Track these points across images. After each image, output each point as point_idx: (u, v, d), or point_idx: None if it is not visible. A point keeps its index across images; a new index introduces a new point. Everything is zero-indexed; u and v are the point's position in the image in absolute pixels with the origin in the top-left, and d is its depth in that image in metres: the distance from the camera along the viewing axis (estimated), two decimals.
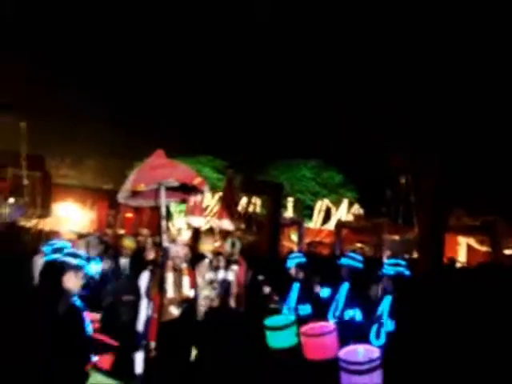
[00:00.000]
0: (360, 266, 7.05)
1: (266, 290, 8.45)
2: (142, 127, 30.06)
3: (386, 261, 6.62)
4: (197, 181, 7.62)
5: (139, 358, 6.78)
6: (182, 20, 33.23)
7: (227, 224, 9.49)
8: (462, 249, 24.20)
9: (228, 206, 10.10)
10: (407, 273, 6.19)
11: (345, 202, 30.19)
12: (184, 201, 8.96)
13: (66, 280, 4.40)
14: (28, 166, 18.95)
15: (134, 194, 7.87)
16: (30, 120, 23.20)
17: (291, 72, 29.77)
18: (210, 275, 7.98)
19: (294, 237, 27.00)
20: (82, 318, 4.38)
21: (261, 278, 8.75)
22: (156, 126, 30.18)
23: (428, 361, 5.88)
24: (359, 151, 25.62)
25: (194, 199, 8.70)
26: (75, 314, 4.32)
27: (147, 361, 6.74)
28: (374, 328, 6.02)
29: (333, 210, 30.21)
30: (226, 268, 8.25)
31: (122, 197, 8.04)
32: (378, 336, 5.95)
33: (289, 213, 29.85)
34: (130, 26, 31.84)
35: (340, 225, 27.12)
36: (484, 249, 23.33)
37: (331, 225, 28.97)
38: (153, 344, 6.77)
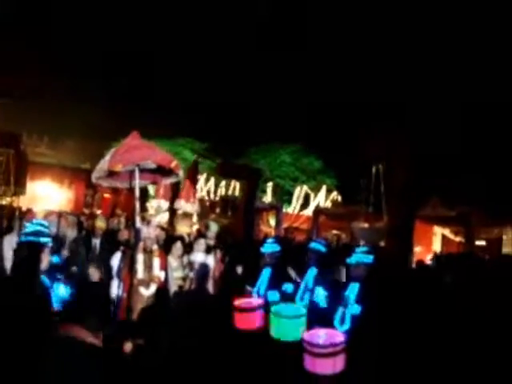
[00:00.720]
0: (324, 250, 7.18)
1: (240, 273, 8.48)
2: (121, 109, 29.82)
3: (357, 248, 6.71)
4: (173, 164, 7.68)
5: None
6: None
7: (189, 207, 9.52)
8: (437, 239, 24.49)
9: (189, 190, 10.10)
10: (373, 261, 6.29)
11: (323, 189, 30.28)
12: (155, 183, 9.02)
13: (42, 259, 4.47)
14: (2, 144, 18.78)
15: (109, 174, 7.89)
16: (8, 98, 23.02)
17: (271, 56, 29.80)
18: (188, 257, 8.04)
19: (272, 221, 27.09)
20: (49, 294, 4.46)
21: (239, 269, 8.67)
22: (135, 107, 29.94)
23: (392, 347, 5.99)
24: (337, 138, 25.82)
25: (163, 183, 8.74)
26: (45, 291, 4.40)
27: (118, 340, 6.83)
28: (339, 313, 6.13)
29: (311, 196, 30.32)
30: (207, 252, 8.28)
31: (95, 177, 8.04)
32: (342, 321, 6.06)
33: (268, 197, 29.92)
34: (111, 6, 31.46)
35: (318, 211, 27.20)
36: (458, 239, 23.67)
37: (309, 211, 29.07)
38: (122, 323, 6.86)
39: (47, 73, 27.96)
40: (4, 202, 17.93)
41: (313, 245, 7.35)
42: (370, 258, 6.26)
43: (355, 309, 6.00)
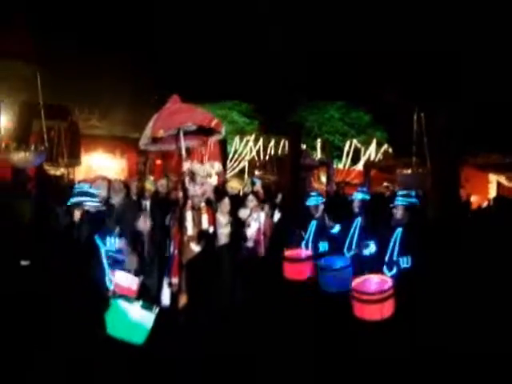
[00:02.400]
0: (368, 198, 7.22)
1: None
2: (168, 75, 29.98)
3: (399, 192, 6.70)
4: (214, 123, 7.76)
5: (166, 293, 7.14)
6: None
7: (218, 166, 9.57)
8: (493, 186, 23.98)
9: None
10: (416, 203, 6.28)
11: (373, 142, 29.90)
12: (203, 143, 9.14)
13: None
14: (54, 117, 19.28)
15: (154, 139, 8.07)
16: (56, 73, 23.48)
17: (316, 13, 29.25)
18: (238, 213, 8.17)
19: (324, 178, 27.02)
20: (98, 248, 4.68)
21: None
22: (182, 72, 30.05)
23: (439, 290, 6.01)
24: (383, 89, 25.34)
25: (211, 145, 8.85)
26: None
27: (172, 295, 7.10)
28: (387, 259, 6.16)
29: (362, 150, 30.01)
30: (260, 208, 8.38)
31: (142, 143, 8.24)
32: (390, 267, 6.10)
33: (318, 154, 29.79)
34: None
35: (369, 165, 26.99)
36: None
37: (360, 165, 28.83)
38: (176, 279, 7.09)
39: (89, 45, 28.35)
40: (58, 173, 18.51)
41: (357, 194, 7.39)
42: (409, 201, 6.26)
43: (401, 256, 6.05)
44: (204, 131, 8.31)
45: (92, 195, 4.95)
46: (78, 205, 4.83)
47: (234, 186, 8.91)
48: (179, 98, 8.11)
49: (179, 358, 5.33)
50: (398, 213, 6.28)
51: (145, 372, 4.95)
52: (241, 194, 9.24)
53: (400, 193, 6.51)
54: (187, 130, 7.63)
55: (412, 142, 21.93)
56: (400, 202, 6.30)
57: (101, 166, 23.07)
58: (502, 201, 9.16)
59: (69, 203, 4.95)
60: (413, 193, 6.52)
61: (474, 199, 19.46)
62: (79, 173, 20.37)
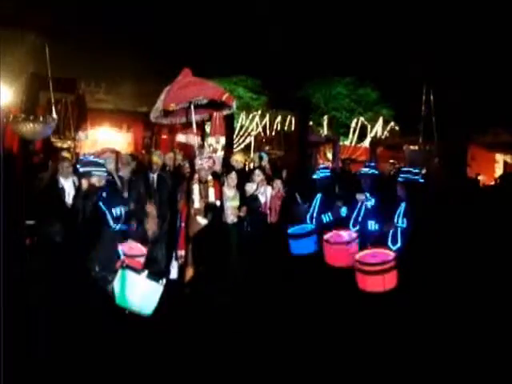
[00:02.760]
0: (377, 173, 7.26)
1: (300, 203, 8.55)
2: (174, 50, 29.82)
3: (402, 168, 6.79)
4: (225, 96, 7.80)
5: (173, 265, 7.24)
6: None
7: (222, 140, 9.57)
8: (500, 166, 23.90)
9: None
10: (420, 180, 6.35)
11: (380, 120, 29.78)
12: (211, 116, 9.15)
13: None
14: (61, 89, 19.26)
15: (166, 113, 8.09)
16: (64, 46, 23.37)
17: None
18: (245, 187, 8.22)
19: (330, 154, 26.99)
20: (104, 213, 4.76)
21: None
22: (189, 47, 29.89)
23: (441, 262, 6.08)
24: (391, 66, 25.19)
25: (216, 119, 8.86)
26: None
27: (179, 268, 7.19)
28: (391, 233, 6.23)
29: (368, 127, 29.89)
30: (267, 182, 8.41)
31: (153, 116, 8.29)
32: (394, 240, 6.17)
33: (324, 130, 29.70)
34: None
35: (375, 142, 26.93)
36: None
37: (367, 142, 28.77)
38: (182, 252, 7.17)
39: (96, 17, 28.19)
40: (65, 146, 18.53)
41: (365, 170, 7.42)
42: (412, 178, 6.32)
43: (404, 227, 6.14)
44: (214, 105, 8.34)
45: (99, 165, 4.97)
46: (86, 175, 4.86)
47: (238, 159, 8.95)
48: (191, 72, 8.14)
49: (183, 330, 5.41)
50: (400, 189, 6.38)
51: (148, 344, 5.01)
52: (247, 168, 9.28)
53: (403, 169, 6.59)
54: (199, 103, 7.66)
55: (420, 118, 21.85)
56: (403, 178, 6.42)
57: (107, 140, 23.01)
58: (509, 177, 9.17)
59: (77, 173, 4.98)
60: (416, 170, 6.60)
61: (480, 178, 19.46)
62: (86, 146, 20.36)
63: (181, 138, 9.74)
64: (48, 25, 20.76)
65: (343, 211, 7.52)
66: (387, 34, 26.28)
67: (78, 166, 4.91)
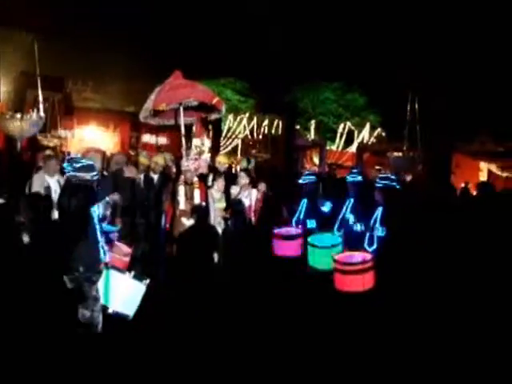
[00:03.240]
0: (362, 180, 7.37)
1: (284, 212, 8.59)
2: (163, 50, 29.78)
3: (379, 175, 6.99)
4: (215, 100, 7.92)
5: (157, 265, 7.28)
6: None
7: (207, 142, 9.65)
8: (484, 174, 24.05)
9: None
10: (395, 186, 6.51)
11: (367, 125, 29.90)
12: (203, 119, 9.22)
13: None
14: (49, 88, 19.21)
15: (155, 113, 8.13)
16: (52, 45, 23.24)
17: None
18: (231, 190, 8.28)
19: (316, 159, 27.08)
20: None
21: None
22: (177, 48, 29.85)
23: (416, 264, 6.22)
24: (379, 73, 25.36)
25: (199, 122, 8.94)
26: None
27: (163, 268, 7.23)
28: (368, 235, 6.38)
29: (355, 132, 30.00)
30: (252, 186, 8.47)
31: (143, 116, 8.35)
32: (371, 242, 6.32)
33: (311, 135, 29.78)
34: None
35: (362, 148, 27.05)
36: (505, 174, 23.19)
37: (353, 148, 28.87)
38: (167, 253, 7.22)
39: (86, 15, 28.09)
40: (51, 145, 18.45)
41: (350, 177, 7.49)
42: (388, 183, 6.53)
43: (381, 232, 6.32)
44: (203, 108, 8.40)
45: (91, 169, 4.89)
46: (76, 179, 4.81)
47: (221, 161, 9.01)
48: (181, 74, 8.21)
49: (167, 331, 5.44)
50: (378, 194, 6.57)
51: (132, 345, 5.03)
52: (234, 171, 9.33)
53: (380, 176, 6.77)
54: (189, 105, 7.73)
55: (405, 125, 22.03)
56: (380, 184, 6.58)
57: (93, 139, 22.93)
58: (486, 187, 9.30)
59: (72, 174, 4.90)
60: (392, 176, 6.78)
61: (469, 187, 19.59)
62: (72, 145, 20.29)
63: (145, 137, 9.77)
64: (37, 23, 20.71)
65: (327, 206, 7.62)
66: (375, 39, 26.46)
67: (67, 168, 4.84)
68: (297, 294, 6.60)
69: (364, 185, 7.27)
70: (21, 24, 20.21)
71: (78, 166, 4.75)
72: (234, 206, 8.02)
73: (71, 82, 26.64)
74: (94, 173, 4.82)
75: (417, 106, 18.97)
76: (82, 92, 29.17)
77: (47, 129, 19.28)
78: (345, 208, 7.25)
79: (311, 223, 7.63)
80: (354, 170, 7.81)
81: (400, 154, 21.13)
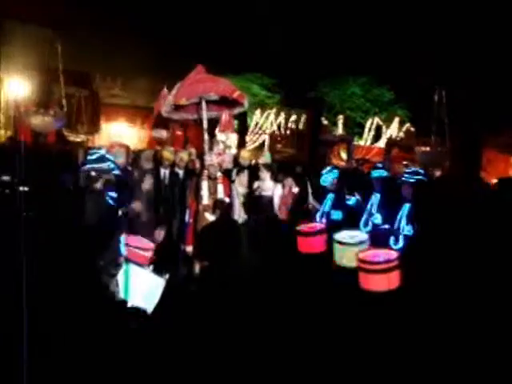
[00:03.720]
0: (386, 174, 7.23)
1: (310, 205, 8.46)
2: (191, 46, 29.84)
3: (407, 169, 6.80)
4: (236, 94, 7.85)
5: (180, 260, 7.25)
6: None
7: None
8: None
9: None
10: (423, 180, 6.34)
11: (396, 120, 29.56)
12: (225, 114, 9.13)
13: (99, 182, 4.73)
14: (75, 84, 19.38)
15: (177, 107, 8.11)
16: (80, 40, 23.41)
17: None
18: (256, 184, 8.21)
19: (344, 154, 26.86)
20: (112, 212, 4.73)
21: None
22: (205, 44, 29.87)
23: (443, 262, 6.02)
24: (407, 67, 25.02)
25: (225, 116, 8.84)
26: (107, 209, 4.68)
27: (185, 263, 7.18)
28: (394, 233, 6.22)
29: (383, 127, 29.68)
30: (275, 180, 8.38)
31: (165, 111, 8.35)
32: (397, 240, 6.16)
33: (338, 130, 29.56)
34: None
35: (390, 143, 26.76)
36: None
37: (382, 143, 28.58)
38: (190, 248, 7.17)
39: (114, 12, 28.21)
40: (78, 140, 18.64)
41: (375, 172, 7.37)
42: (415, 178, 6.39)
43: (407, 230, 6.20)
44: (226, 103, 8.34)
45: (103, 160, 4.89)
46: (94, 171, 4.81)
47: (245, 156, 8.91)
48: (204, 69, 8.16)
49: (188, 327, 5.40)
50: (405, 189, 6.44)
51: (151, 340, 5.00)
52: (256, 165, 9.21)
53: (407, 170, 6.59)
54: (209, 99, 7.69)
55: (432, 119, 21.70)
56: (407, 179, 6.46)
57: (121, 135, 23.09)
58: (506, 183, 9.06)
59: (86, 169, 4.92)
60: (420, 170, 6.61)
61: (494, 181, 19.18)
62: (99, 141, 20.42)
63: (155, 132, 9.74)
64: (63, 19, 20.85)
65: (353, 200, 7.46)
66: (402, 32, 26.08)
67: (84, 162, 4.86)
68: (321, 292, 6.50)
69: (390, 180, 7.13)
70: (46, 20, 20.32)
71: (93, 157, 4.76)
72: (255, 201, 7.96)
73: (100, 79, 26.83)
74: (109, 162, 4.80)
75: (444, 100, 18.61)
76: (110, 89, 29.37)
77: (73, 124, 19.48)
78: (370, 204, 7.13)
79: (337, 214, 7.49)
80: (379, 165, 7.67)
81: (428, 148, 20.81)
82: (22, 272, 4.35)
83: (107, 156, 4.93)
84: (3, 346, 4.28)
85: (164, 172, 8.32)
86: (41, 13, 19.93)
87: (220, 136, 9.25)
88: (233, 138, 9.51)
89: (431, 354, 4.95)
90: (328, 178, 7.75)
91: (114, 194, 4.98)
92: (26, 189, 6.59)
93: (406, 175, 6.49)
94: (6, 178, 7.28)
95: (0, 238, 4.96)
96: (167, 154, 8.58)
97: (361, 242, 6.67)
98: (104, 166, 4.76)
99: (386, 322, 5.47)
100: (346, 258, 6.61)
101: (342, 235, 6.87)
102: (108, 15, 27.88)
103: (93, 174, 4.77)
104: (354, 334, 5.42)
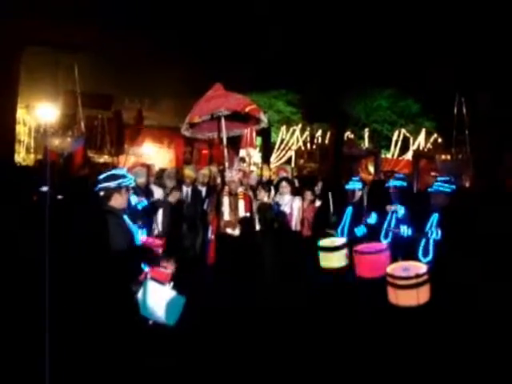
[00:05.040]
0: (405, 184, 7.15)
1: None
2: (217, 66, 30.14)
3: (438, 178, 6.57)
4: (249, 108, 7.75)
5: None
6: None
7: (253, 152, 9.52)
8: None
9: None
10: (452, 191, 6.16)
11: (423, 132, 29.38)
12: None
13: (113, 200, 4.77)
14: (98, 106, 19.75)
15: (192, 125, 8.16)
16: (103, 62, 23.87)
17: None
18: (274, 199, 8.21)
19: (371, 168, 26.74)
20: (130, 231, 4.76)
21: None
22: (230, 63, 30.15)
23: (474, 276, 5.87)
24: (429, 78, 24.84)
25: (246, 131, 8.86)
26: (124, 227, 4.71)
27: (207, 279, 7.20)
28: (422, 244, 6.07)
29: (411, 139, 29.51)
30: (294, 194, 8.37)
31: (182, 129, 8.40)
32: (425, 252, 6.01)
33: (365, 143, 29.46)
34: None
35: (418, 154, 26.55)
36: None
37: (409, 155, 28.39)
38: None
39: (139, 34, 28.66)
40: (102, 160, 18.93)
41: (393, 181, 7.32)
42: (448, 187, 6.14)
43: (435, 239, 5.96)
44: (248, 119, 8.34)
45: (114, 178, 4.92)
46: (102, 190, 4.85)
47: (263, 173, 8.94)
48: (222, 86, 8.19)
49: (211, 342, 5.42)
50: (436, 198, 6.21)
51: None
52: (274, 180, 9.26)
53: (439, 179, 6.39)
54: (220, 115, 7.68)
55: (453, 128, 21.44)
56: (438, 187, 6.22)
57: (148, 155, 23.36)
58: None
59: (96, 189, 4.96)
60: (451, 179, 6.41)
61: None
62: (126, 162, 20.66)
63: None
64: (89, 43, 21.25)
65: (373, 218, 7.34)
66: (423, 42, 25.95)
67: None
68: (346, 307, 6.42)
69: (410, 190, 7.05)
70: (70, 44, 20.75)
71: (102, 176, 4.83)
72: (283, 214, 7.95)
73: (127, 101, 27.27)
74: (119, 180, 4.84)
75: (464, 109, 18.36)
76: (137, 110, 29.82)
77: (97, 146, 19.83)
78: (390, 215, 7.06)
79: (360, 230, 7.42)
80: (400, 175, 7.61)
81: (448, 157, 20.54)
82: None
83: (119, 174, 4.96)
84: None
85: (186, 190, 8.41)
86: (63, 37, 20.34)
87: (242, 152, 9.29)
88: (255, 154, 9.52)
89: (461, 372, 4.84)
90: (352, 185, 7.72)
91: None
92: (60, 197, 7.71)
93: (438, 184, 6.27)
94: (44, 188, 7.85)
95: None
96: (188, 171, 8.67)
97: (380, 252, 6.60)
98: (111, 184, 4.79)
99: (411, 338, 5.35)
100: (366, 268, 6.53)
101: (363, 246, 6.80)
102: (133, 38, 28.39)
103: (101, 194, 4.82)
104: (381, 348, 5.34)
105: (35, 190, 8.35)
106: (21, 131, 19.55)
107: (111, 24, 26.95)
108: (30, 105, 18.29)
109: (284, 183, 8.28)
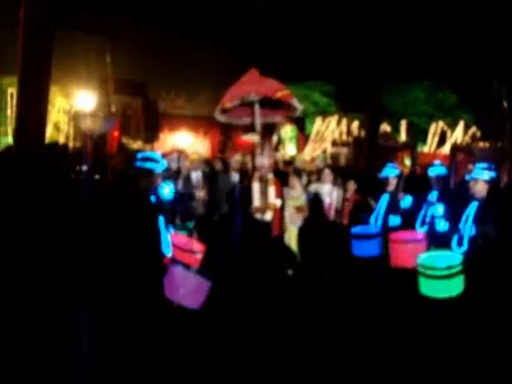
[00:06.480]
0: (444, 171, 6.94)
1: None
2: (254, 56, 30.05)
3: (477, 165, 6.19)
4: (280, 94, 7.54)
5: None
6: None
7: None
8: None
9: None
10: (493, 178, 5.83)
11: (460, 125, 28.79)
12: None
13: (141, 182, 4.78)
14: (131, 93, 19.93)
15: (224, 111, 8.07)
16: (145, 55, 24.10)
17: None
18: (314, 187, 8.13)
19: (408, 161, 26.35)
20: (155, 212, 4.75)
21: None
22: (266, 53, 30.04)
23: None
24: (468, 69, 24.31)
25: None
26: (150, 208, 4.71)
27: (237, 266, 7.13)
28: (457, 235, 5.84)
29: (448, 132, 28.96)
30: (334, 183, 8.26)
31: (217, 114, 8.33)
32: (460, 243, 5.78)
33: (402, 136, 29.04)
34: None
35: (455, 148, 26.04)
36: None
37: (446, 148, 27.88)
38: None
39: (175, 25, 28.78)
40: (135, 146, 19.12)
41: (432, 169, 7.10)
42: (488, 174, 5.77)
43: (473, 230, 5.66)
44: (278, 105, 8.21)
45: (154, 160, 4.95)
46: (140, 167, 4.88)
47: (301, 160, 8.83)
48: (256, 72, 8.04)
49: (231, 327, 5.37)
50: (476, 186, 5.83)
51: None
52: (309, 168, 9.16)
53: (479, 166, 5.93)
54: (250, 100, 7.54)
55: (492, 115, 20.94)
56: (477, 174, 5.83)
57: (184, 144, 23.55)
58: None
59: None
60: (492, 166, 6.03)
61: None
62: (160, 149, 20.89)
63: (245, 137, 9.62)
64: (130, 31, 21.38)
65: (407, 201, 7.16)
66: (459, 32, 25.40)
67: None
68: (376, 297, 6.29)
69: (449, 179, 6.82)
70: (106, 30, 20.89)
71: (137, 156, 4.86)
72: (313, 203, 7.85)
73: (164, 93, 27.47)
74: (152, 163, 4.86)
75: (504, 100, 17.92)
76: (175, 101, 30.05)
77: (131, 132, 20.03)
78: (426, 203, 6.87)
79: (395, 220, 7.23)
80: (437, 162, 7.37)
81: (487, 144, 20.05)
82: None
83: (153, 157, 4.97)
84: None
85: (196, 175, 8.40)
86: (102, 24, 20.49)
87: (275, 139, 9.19)
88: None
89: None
90: (387, 172, 7.55)
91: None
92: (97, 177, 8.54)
93: (477, 171, 5.83)
94: (84, 167, 8.64)
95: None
96: (195, 155, 8.68)
97: (417, 241, 6.44)
98: (145, 165, 4.82)
99: (441, 330, 5.20)
100: (402, 257, 6.37)
101: (399, 235, 6.61)
102: (172, 28, 28.53)
103: (133, 173, 4.88)
104: (411, 339, 5.20)
105: (72, 169, 8.89)
106: (60, 120, 19.88)
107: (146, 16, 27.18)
108: (69, 92, 18.54)
109: (327, 171, 8.18)
